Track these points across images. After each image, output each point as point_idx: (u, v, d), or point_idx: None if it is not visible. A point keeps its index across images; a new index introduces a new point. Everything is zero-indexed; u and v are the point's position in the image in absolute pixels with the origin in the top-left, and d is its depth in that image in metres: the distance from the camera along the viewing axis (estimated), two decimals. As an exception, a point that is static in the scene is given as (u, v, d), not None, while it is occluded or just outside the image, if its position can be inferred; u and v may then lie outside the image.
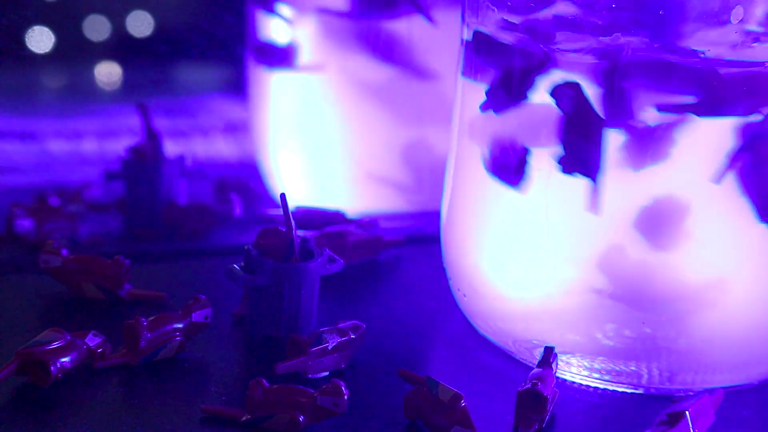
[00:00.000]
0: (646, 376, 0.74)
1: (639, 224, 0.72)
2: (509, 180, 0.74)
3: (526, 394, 0.69)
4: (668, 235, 0.72)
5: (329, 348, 0.75)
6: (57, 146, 1.12)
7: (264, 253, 0.78)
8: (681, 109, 0.70)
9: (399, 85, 0.99)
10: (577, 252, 0.73)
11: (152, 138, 0.98)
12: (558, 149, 0.72)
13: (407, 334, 0.82)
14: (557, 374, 0.74)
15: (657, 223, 0.71)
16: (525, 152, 0.73)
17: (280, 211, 0.79)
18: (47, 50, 1.12)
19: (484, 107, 0.76)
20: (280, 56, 0.99)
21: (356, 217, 0.97)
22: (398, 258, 0.94)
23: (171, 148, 1.02)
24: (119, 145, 1.03)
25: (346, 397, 0.68)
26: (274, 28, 1.00)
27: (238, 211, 1.01)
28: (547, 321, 0.75)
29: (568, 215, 0.74)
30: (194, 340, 0.77)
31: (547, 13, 0.72)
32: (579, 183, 0.73)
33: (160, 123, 1.01)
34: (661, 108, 0.70)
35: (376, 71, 0.98)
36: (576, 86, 0.71)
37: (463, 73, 0.78)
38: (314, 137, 1.01)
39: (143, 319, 0.75)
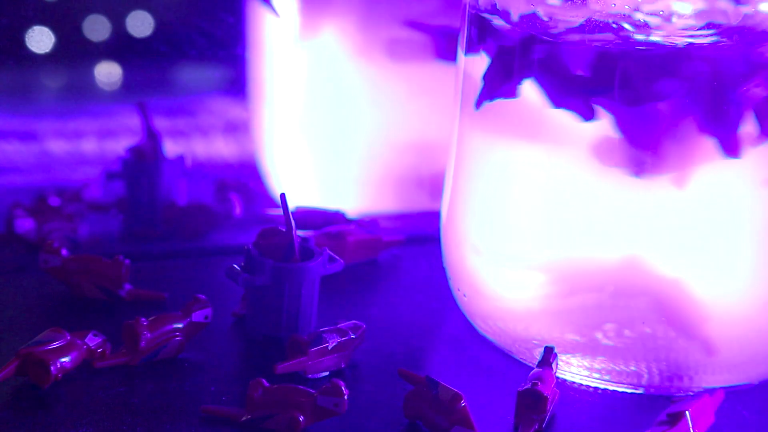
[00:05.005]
0: (646, 376, 0.74)
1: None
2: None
3: (526, 394, 0.69)
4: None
5: (329, 348, 0.75)
6: (57, 146, 1.12)
7: (264, 253, 0.78)
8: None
9: (400, 84, 0.99)
10: (577, 252, 0.74)
11: (152, 138, 0.98)
12: None
13: (407, 334, 0.82)
14: (557, 374, 0.74)
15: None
16: None
17: (280, 211, 0.79)
18: (47, 50, 1.12)
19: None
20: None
21: (356, 217, 0.97)
22: (398, 258, 0.94)
23: (171, 148, 1.02)
24: (119, 145, 1.03)
25: (346, 397, 0.68)
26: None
27: (238, 211, 1.01)
28: (547, 321, 0.75)
29: (569, 215, 0.74)
30: (194, 340, 0.77)
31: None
32: (579, 184, 0.73)
33: (160, 123, 1.01)
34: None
35: (377, 69, 0.98)
36: None
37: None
38: (314, 137, 1.01)
39: (143, 319, 0.75)
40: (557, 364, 0.73)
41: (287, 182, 1.02)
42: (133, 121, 1.01)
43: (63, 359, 0.72)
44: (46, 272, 0.84)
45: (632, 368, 0.74)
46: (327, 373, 0.75)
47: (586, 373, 0.75)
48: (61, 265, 0.84)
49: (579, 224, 0.73)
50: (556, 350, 0.73)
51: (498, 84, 0.74)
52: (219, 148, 1.14)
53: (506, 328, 0.78)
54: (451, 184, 0.81)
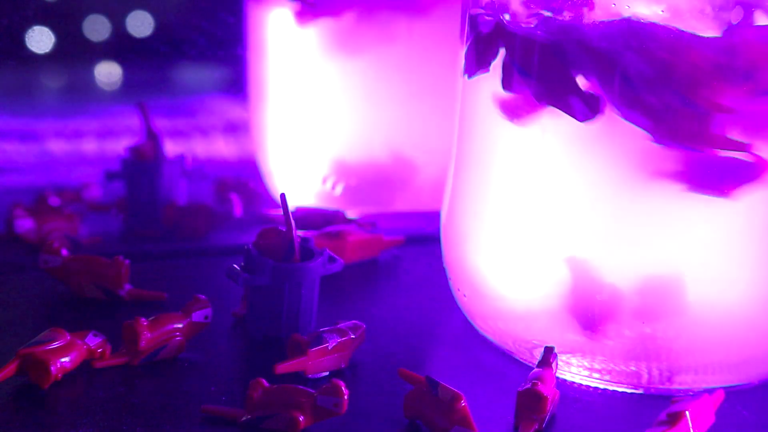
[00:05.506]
0: (646, 376, 0.74)
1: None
2: None
3: (526, 394, 0.69)
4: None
5: (329, 348, 0.75)
6: (57, 146, 1.12)
7: (264, 253, 0.78)
8: None
9: (401, 85, 0.99)
10: (576, 252, 0.74)
11: (152, 138, 0.98)
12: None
13: (407, 334, 0.82)
14: (557, 374, 0.74)
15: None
16: None
17: (280, 211, 0.79)
18: (47, 50, 1.12)
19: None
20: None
21: (356, 217, 0.97)
22: (398, 258, 0.95)
23: (171, 148, 1.02)
24: (119, 145, 1.03)
25: (346, 397, 0.68)
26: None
27: (238, 211, 1.01)
28: (547, 321, 0.75)
29: (569, 215, 0.74)
30: (194, 340, 0.77)
31: None
32: (578, 182, 0.73)
33: (160, 123, 1.01)
34: None
35: (379, 71, 0.98)
36: None
37: (467, 72, 0.79)
38: (314, 136, 1.01)
39: (143, 319, 0.75)
40: (557, 364, 0.73)
41: (287, 182, 1.02)
42: (133, 121, 1.01)
43: (63, 359, 0.72)
44: (46, 272, 0.84)
45: (632, 368, 0.74)
46: (327, 373, 0.75)
47: (586, 373, 0.75)
48: (61, 265, 0.84)
49: (579, 224, 0.73)
50: (556, 350, 0.73)
51: (474, 61, 0.77)
52: (219, 148, 1.14)
53: (506, 328, 0.78)
54: (452, 184, 0.81)
